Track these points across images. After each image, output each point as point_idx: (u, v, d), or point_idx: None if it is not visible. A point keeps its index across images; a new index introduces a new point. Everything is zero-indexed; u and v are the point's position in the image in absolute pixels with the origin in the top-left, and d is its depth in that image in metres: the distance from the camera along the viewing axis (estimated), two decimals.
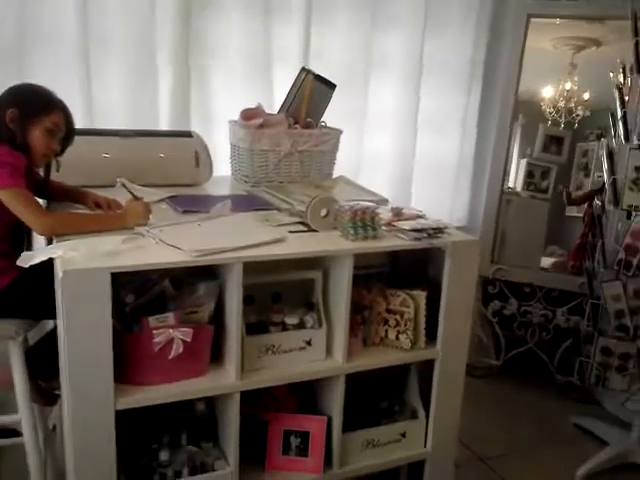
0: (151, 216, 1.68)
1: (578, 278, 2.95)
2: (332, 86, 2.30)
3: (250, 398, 1.67)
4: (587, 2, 2.99)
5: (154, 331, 1.48)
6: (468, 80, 3.13)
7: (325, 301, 1.73)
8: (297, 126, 2.24)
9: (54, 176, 1.86)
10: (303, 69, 2.30)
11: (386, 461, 1.86)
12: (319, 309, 1.72)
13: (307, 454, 1.75)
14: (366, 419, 1.86)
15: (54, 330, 1.87)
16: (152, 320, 1.50)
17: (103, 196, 1.83)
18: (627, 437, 2.58)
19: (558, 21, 3.09)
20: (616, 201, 2.54)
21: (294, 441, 1.75)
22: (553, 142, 3.18)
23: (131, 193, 1.76)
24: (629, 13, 2.65)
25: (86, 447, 1.46)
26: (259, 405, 1.77)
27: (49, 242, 1.77)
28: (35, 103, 1.67)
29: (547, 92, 3.14)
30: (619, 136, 2.60)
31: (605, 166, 2.62)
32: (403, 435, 1.86)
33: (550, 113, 3.13)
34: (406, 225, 1.75)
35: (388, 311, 1.80)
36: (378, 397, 1.96)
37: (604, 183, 2.66)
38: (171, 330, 1.49)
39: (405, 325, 1.78)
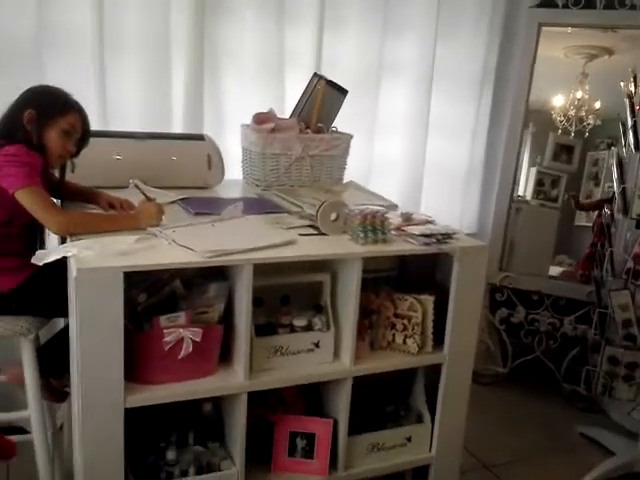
0: (164, 217, 1.70)
1: (586, 287, 2.95)
2: (344, 92, 2.32)
3: (257, 399, 1.68)
4: (599, 11, 2.99)
5: (164, 330, 1.50)
6: (479, 87, 3.14)
7: (333, 304, 1.75)
8: (308, 131, 2.26)
9: (68, 177, 1.89)
10: (315, 74, 2.32)
11: (391, 465, 1.86)
12: (327, 312, 1.73)
13: (313, 456, 1.76)
14: (372, 423, 1.87)
15: (65, 328, 1.90)
16: (163, 319, 1.52)
17: (116, 197, 1.86)
18: (633, 447, 2.58)
19: (570, 30, 3.09)
20: (625, 210, 2.54)
21: (300, 443, 1.76)
22: (563, 151, 3.18)
23: (144, 194, 1.79)
24: None
25: (95, 444, 1.48)
26: (266, 406, 1.78)
27: (62, 241, 1.79)
28: (52, 104, 1.70)
29: (558, 101, 3.14)
30: (629, 145, 2.60)
31: (615, 175, 2.62)
32: (408, 439, 1.87)
33: (561, 122, 3.14)
34: (415, 230, 1.77)
35: (396, 315, 1.81)
36: (384, 401, 1.97)
37: (614, 193, 2.66)
38: (181, 330, 1.51)
39: (412, 329, 1.79)
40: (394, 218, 1.82)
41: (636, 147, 2.57)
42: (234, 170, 2.39)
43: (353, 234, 1.71)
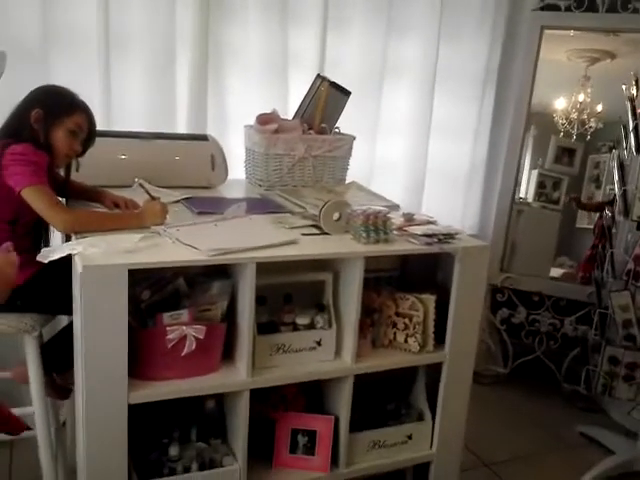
0: (168, 216, 1.72)
1: (587, 287, 2.96)
2: (347, 93, 2.34)
3: (259, 396, 1.70)
4: (601, 14, 3.00)
5: (168, 328, 1.51)
6: (481, 88, 3.15)
7: (336, 303, 1.76)
8: (311, 132, 2.27)
9: (73, 176, 1.91)
10: (318, 76, 2.34)
11: (392, 462, 1.88)
12: (330, 310, 1.75)
13: (314, 453, 1.77)
14: (373, 420, 1.88)
15: (68, 326, 1.91)
16: (166, 317, 1.53)
17: (121, 196, 1.87)
18: (633, 446, 2.59)
19: (572, 33, 3.11)
20: (626, 212, 2.55)
21: (301, 440, 1.78)
22: (565, 153, 3.20)
23: (148, 193, 1.80)
24: None
25: (99, 440, 1.49)
26: (268, 403, 1.80)
27: (67, 239, 1.81)
28: (59, 104, 1.72)
29: (560, 103, 3.16)
30: (630, 148, 2.62)
31: (616, 177, 2.64)
32: (409, 437, 1.88)
33: (562, 124, 3.15)
34: (417, 230, 1.78)
35: (397, 314, 1.83)
36: (385, 399, 1.98)
37: (615, 195, 2.68)
38: (184, 327, 1.52)
39: (414, 328, 1.80)
40: (396, 218, 1.84)
41: (637, 150, 2.58)
42: (237, 170, 2.40)
43: (355, 234, 1.72)
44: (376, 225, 1.71)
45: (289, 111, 2.54)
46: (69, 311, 1.67)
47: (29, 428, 2.10)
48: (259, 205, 2.02)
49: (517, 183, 3.19)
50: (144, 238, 1.56)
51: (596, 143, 3.14)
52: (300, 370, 1.70)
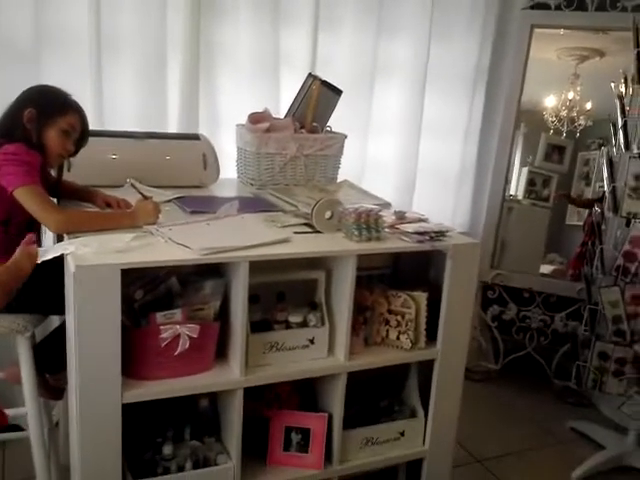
0: (160, 215, 1.72)
1: (577, 284, 2.98)
2: (338, 92, 2.34)
3: (253, 395, 1.70)
4: (590, 13, 3.02)
5: (161, 327, 1.52)
6: (472, 87, 3.17)
7: (328, 301, 1.77)
8: (303, 130, 2.28)
9: (64, 175, 1.91)
10: (310, 75, 2.34)
11: (385, 459, 1.89)
12: (322, 308, 1.75)
13: (308, 450, 1.78)
14: (366, 417, 1.89)
15: (61, 326, 1.91)
16: (159, 316, 1.53)
17: (113, 195, 1.87)
18: (623, 440, 2.62)
19: (562, 31, 3.13)
20: (615, 208, 2.57)
21: (295, 437, 1.78)
22: (555, 151, 3.22)
23: (140, 193, 1.81)
24: (632, 25, 2.70)
25: (93, 440, 1.49)
26: (261, 402, 1.81)
27: (59, 239, 1.81)
28: (52, 104, 1.72)
29: (550, 101, 3.18)
30: (619, 145, 2.64)
31: (605, 174, 2.65)
32: (402, 434, 1.89)
33: (552, 122, 3.17)
34: (409, 228, 1.79)
35: (389, 312, 1.84)
36: (378, 396, 1.99)
37: (604, 192, 2.70)
38: (178, 326, 1.53)
39: (406, 325, 1.81)
40: (388, 216, 1.85)
41: (626, 147, 2.60)
42: (229, 169, 2.41)
43: (347, 232, 1.73)
44: (368, 223, 1.71)
45: (281, 110, 2.55)
46: (61, 311, 1.67)
47: (21, 428, 2.10)
48: (251, 204, 2.02)
49: (507, 181, 3.21)
50: (137, 237, 1.56)
51: (585, 140, 3.16)
52: (293, 368, 1.71)
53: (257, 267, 1.57)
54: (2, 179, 1.61)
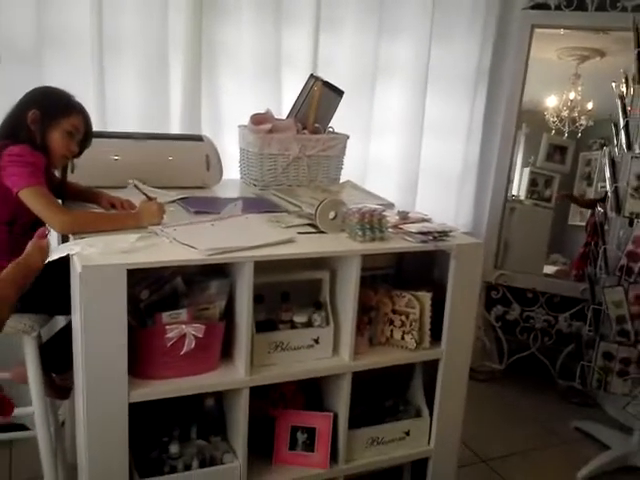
0: (165, 216, 1.72)
1: (580, 284, 2.99)
2: (340, 93, 2.35)
3: (258, 394, 1.70)
4: (591, 13, 3.03)
5: (167, 327, 1.52)
6: (473, 87, 3.17)
7: (333, 301, 1.77)
8: (305, 131, 2.28)
9: (68, 177, 1.91)
10: (312, 76, 2.35)
11: (390, 458, 1.89)
12: (327, 308, 1.76)
13: (313, 449, 1.78)
14: (371, 417, 1.89)
15: (67, 326, 1.92)
16: (165, 316, 1.54)
17: (117, 196, 1.88)
18: (628, 440, 2.62)
19: (562, 31, 3.14)
20: (618, 208, 2.57)
21: (301, 437, 1.78)
22: (557, 151, 3.23)
23: (144, 194, 1.81)
24: (632, 24, 2.70)
25: (100, 439, 1.49)
26: (267, 401, 1.81)
27: (63, 240, 1.82)
28: (56, 105, 1.73)
29: (551, 101, 3.18)
30: (621, 145, 2.64)
31: (608, 174, 2.66)
32: (407, 433, 1.89)
33: (554, 122, 3.18)
34: (412, 228, 1.79)
35: (394, 312, 1.84)
36: (383, 396, 1.99)
37: (606, 192, 2.70)
38: (184, 326, 1.53)
39: (410, 325, 1.81)
40: (391, 216, 1.85)
41: (628, 147, 2.61)
42: (232, 170, 2.41)
43: (351, 232, 1.73)
44: (372, 223, 1.72)
45: (283, 111, 2.55)
46: (67, 311, 1.67)
47: (28, 428, 2.11)
48: (255, 204, 2.03)
49: (509, 181, 3.21)
50: (142, 238, 1.57)
51: (587, 140, 3.17)
52: (298, 368, 1.71)
53: (262, 267, 1.57)
54: (7, 180, 1.62)
